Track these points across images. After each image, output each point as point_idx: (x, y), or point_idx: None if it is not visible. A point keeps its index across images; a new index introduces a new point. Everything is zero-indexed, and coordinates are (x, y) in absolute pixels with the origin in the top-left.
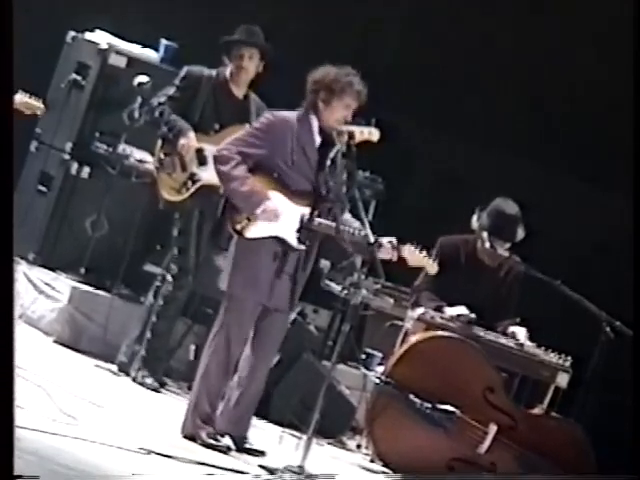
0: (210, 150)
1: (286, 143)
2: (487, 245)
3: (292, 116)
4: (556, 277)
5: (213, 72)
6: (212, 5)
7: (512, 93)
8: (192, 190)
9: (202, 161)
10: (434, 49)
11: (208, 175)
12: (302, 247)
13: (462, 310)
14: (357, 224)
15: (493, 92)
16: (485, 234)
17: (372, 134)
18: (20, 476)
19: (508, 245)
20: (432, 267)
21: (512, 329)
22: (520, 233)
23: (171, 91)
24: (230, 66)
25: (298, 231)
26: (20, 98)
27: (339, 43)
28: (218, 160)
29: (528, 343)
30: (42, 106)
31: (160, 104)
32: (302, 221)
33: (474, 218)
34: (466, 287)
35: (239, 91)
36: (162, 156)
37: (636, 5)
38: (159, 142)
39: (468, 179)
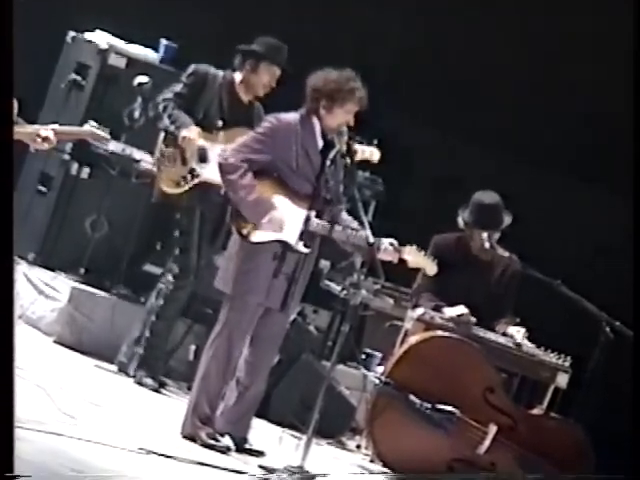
0: (211, 148)
1: (290, 147)
2: (483, 239)
3: (295, 119)
4: (556, 277)
5: (219, 73)
6: (212, 5)
7: (512, 94)
8: (191, 184)
9: (202, 158)
10: (434, 49)
11: (208, 172)
12: (307, 250)
13: (462, 310)
14: (355, 224)
15: (493, 93)
16: (480, 230)
17: (373, 154)
18: (19, 476)
19: (497, 235)
20: (432, 268)
21: (510, 329)
22: (506, 220)
23: (178, 87)
24: (245, 72)
25: (302, 234)
26: (89, 128)
27: (339, 43)
28: (225, 168)
29: (526, 343)
30: (109, 136)
31: (165, 99)
32: (305, 223)
33: (459, 218)
34: (463, 284)
35: (246, 96)
36: (164, 148)
37: (636, 5)
38: (161, 135)
39: (468, 179)
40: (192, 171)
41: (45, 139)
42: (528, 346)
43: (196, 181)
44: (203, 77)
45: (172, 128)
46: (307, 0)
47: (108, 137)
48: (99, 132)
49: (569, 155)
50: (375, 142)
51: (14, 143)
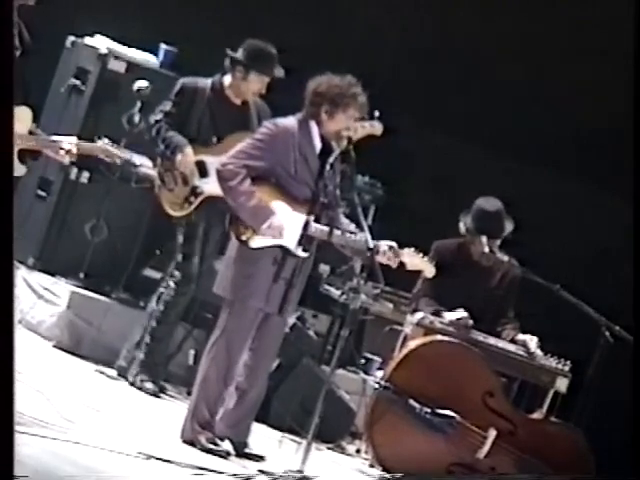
0: (211, 161)
1: (288, 153)
2: (484, 245)
3: (293, 124)
4: (556, 280)
5: (208, 82)
6: (211, 10)
7: (512, 94)
8: (195, 204)
9: (203, 173)
10: (434, 49)
11: (210, 187)
12: (305, 254)
13: (461, 313)
14: (353, 227)
15: (493, 94)
16: (482, 237)
17: (375, 127)
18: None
19: (499, 242)
20: (430, 270)
21: (522, 337)
22: (508, 226)
23: (167, 107)
24: (234, 78)
25: (301, 238)
26: (102, 145)
27: (339, 44)
28: (224, 175)
29: (539, 353)
30: (124, 156)
31: (157, 122)
32: (304, 228)
33: (461, 224)
34: (464, 289)
35: (237, 99)
36: (162, 172)
37: (636, 5)
38: (158, 159)
39: (467, 180)
40: (194, 189)
41: (67, 152)
42: (541, 356)
43: (201, 199)
44: (192, 92)
45: (168, 153)
46: (307, 1)
47: (121, 155)
48: (112, 149)
49: (569, 155)
50: (377, 115)
51: (34, 153)
